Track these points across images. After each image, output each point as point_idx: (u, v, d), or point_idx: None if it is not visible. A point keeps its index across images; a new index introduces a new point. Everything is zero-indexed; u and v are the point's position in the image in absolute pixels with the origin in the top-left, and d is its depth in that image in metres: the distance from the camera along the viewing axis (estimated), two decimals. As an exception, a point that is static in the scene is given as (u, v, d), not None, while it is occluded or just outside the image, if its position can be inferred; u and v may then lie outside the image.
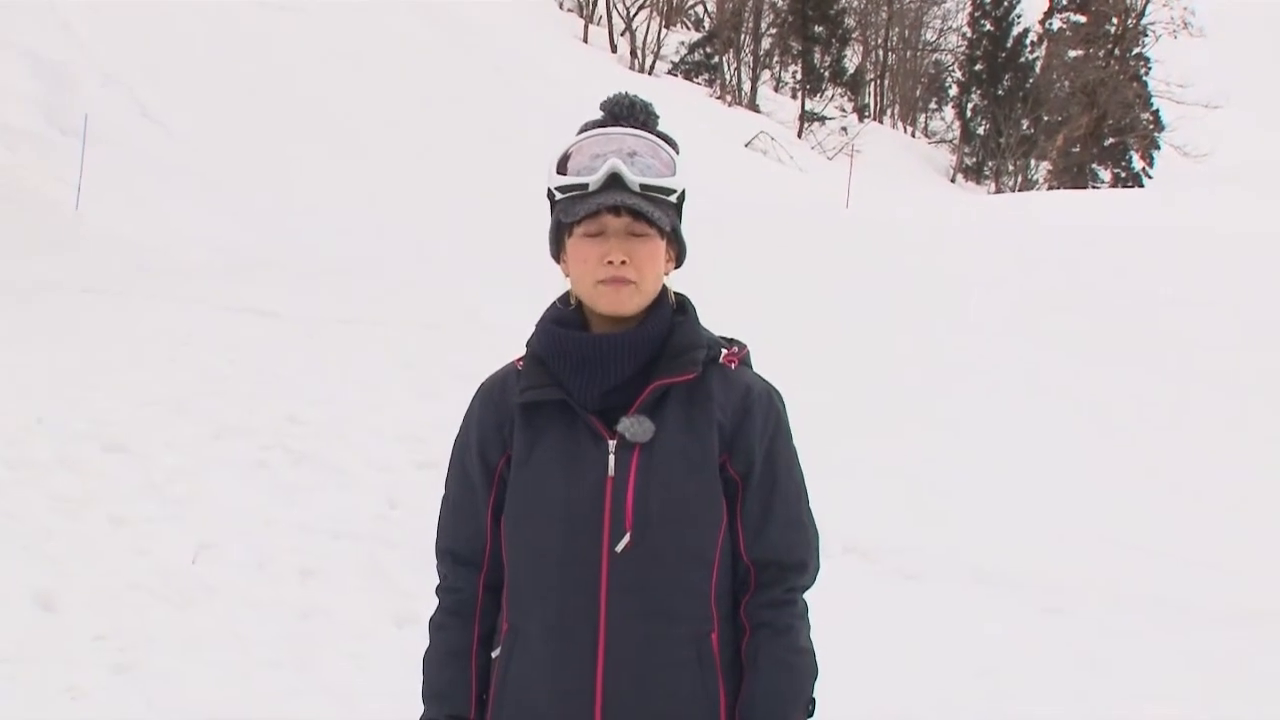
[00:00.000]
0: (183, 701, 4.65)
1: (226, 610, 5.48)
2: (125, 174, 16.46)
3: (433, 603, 2.38)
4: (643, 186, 2.19)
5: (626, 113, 2.27)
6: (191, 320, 10.81)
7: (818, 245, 19.64)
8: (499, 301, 11.94)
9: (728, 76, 54.05)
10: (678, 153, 2.28)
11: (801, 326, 13.57)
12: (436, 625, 2.35)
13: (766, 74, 58.12)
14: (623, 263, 2.19)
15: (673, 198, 2.24)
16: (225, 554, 6.03)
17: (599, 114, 2.30)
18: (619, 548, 2.17)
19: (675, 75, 53.33)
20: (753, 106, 52.21)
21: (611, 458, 2.18)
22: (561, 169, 2.22)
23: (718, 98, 50.68)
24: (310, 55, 25.88)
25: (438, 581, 2.37)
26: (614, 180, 2.18)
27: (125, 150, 17.47)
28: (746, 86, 54.59)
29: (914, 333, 13.74)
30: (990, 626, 6.14)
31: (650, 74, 48.82)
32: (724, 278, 15.94)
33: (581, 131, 2.27)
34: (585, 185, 2.19)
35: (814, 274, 17.02)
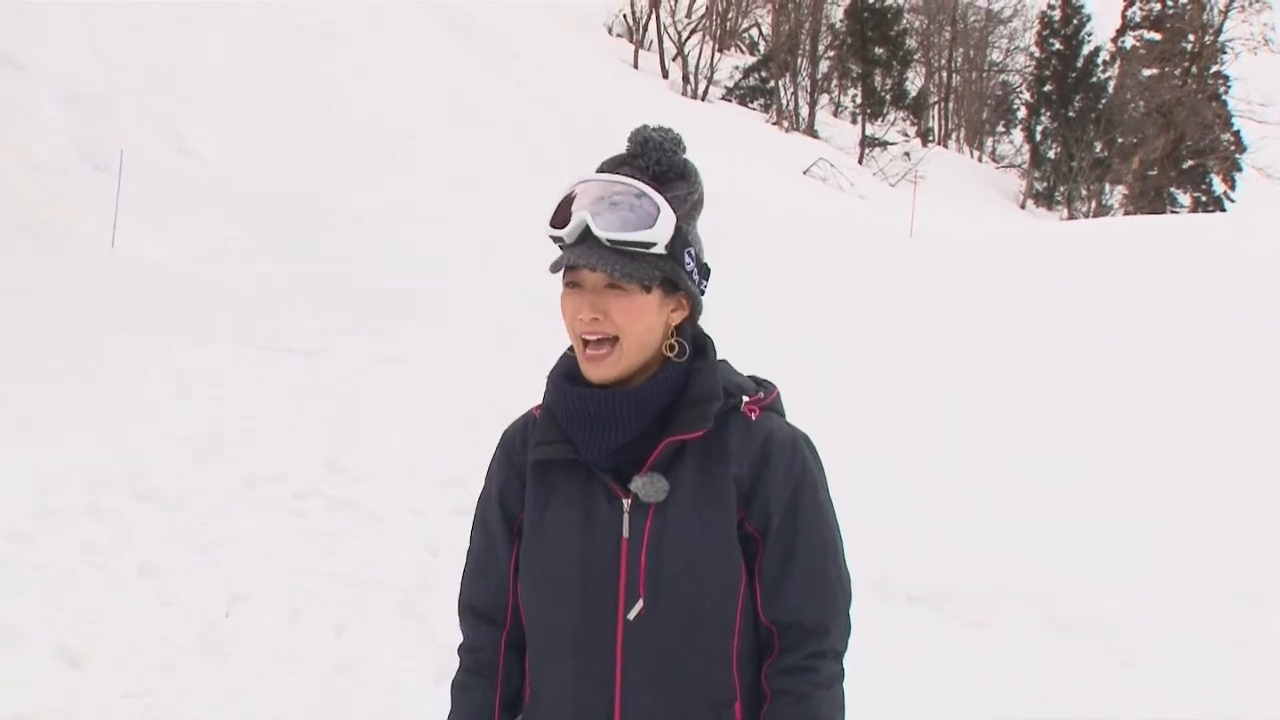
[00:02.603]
0: (213, 760, 4.64)
1: (260, 663, 5.47)
2: (161, 207, 16.62)
3: None
4: (612, 241, 2.15)
5: (640, 149, 2.23)
6: (226, 358, 10.87)
7: (880, 275, 19.55)
8: (543, 333, 11.94)
9: (784, 101, 54.16)
10: (693, 187, 2.23)
11: (863, 359, 13.49)
12: (458, 686, 2.35)
13: (825, 98, 58.18)
14: (594, 320, 2.17)
15: (654, 250, 2.17)
16: (259, 604, 6.04)
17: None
18: (632, 614, 2.15)
19: (730, 100, 53.48)
20: (811, 132, 52.26)
21: (625, 518, 2.17)
22: (556, 214, 2.21)
23: (774, 123, 50.79)
24: (348, 83, 26.11)
25: (460, 640, 2.38)
26: (589, 233, 2.16)
27: (161, 183, 17.66)
28: (804, 111, 54.65)
29: (984, 367, 13.62)
30: (1062, 676, 6.03)
31: (703, 100, 48.99)
32: (782, 309, 15.89)
33: (599, 167, 2.26)
34: (561, 239, 2.19)
35: (877, 305, 16.94)
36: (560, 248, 2.19)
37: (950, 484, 9.25)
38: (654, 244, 2.16)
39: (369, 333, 12.61)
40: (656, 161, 2.21)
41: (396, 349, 12.04)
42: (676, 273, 2.21)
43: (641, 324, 2.18)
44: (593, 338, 2.17)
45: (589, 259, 2.14)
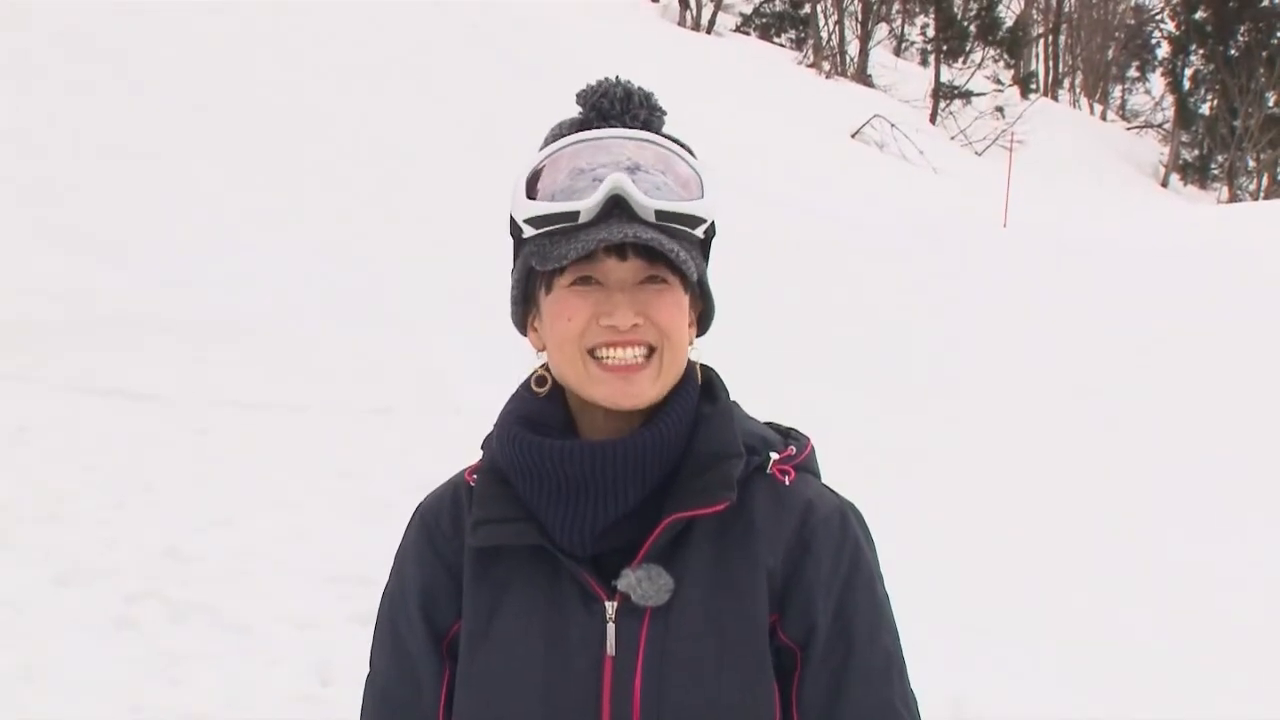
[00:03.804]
0: None
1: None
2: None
3: None
4: (659, 214, 2.10)
5: (620, 108, 2.20)
6: (25, 406, 10.87)
7: (963, 281, 19.61)
8: (483, 374, 11.95)
9: (825, 34, 54.36)
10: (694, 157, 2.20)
11: (931, 414, 13.53)
12: None
13: (883, 30, 58.38)
14: (635, 326, 2.10)
15: (700, 230, 2.17)
16: (72, 756, 6.04)
17: (576, 111, 2.23)
18: None
19: (747, 32, 53.73)
20: (863, 78, 52.46)
21: (611, 628, 2.12)
22: (532, 192, 2.14)
23: (810, 65, 50.97)
24: (211, 23, 26.16)
25: None
26: (616, 205, 2.08)
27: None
28: (853, 49, 54.85)
29: (1117, 420, 13.67)
30: None
31: (710, 33, 49.17)
32: (812, 340, 15.89)
33: (553, 138, 2.21)
34: (574, 214, 2.10)
35: (958, 325, 16.98)
36: (559, 232, 2.12)
37: (1062, 587, 9.30)
38: (704, 221, 2.16)
39: (227, 369, 12.59)
40: (645, 124, 2.20)
41: (267, 393, 12.03)
42: (705, 272, 2.22)
43: (683, 332, 2.17)
44: (624, 351, 2.12)
45: (635, 234, 2.07)
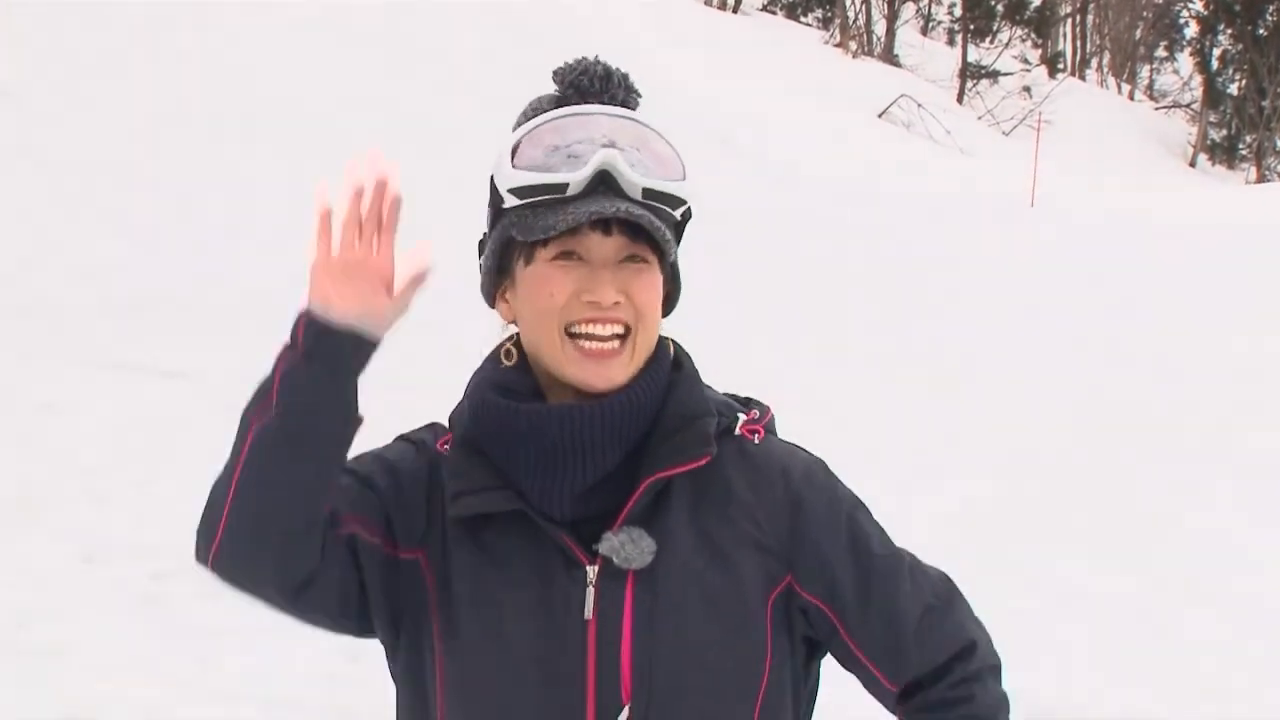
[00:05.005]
0: None
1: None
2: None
3: None
4: (646, 192, 2.11)
5: (599, 86, 2.21)
6: (60, 385, 10.89)
7: (990, 260, 19.55)
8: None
9: (852, 13, 54.24)
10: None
11: (964, 384, 13.50)
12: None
13: (909, 8, 58.23)
14: (616, 304, 2.11)
15: (678, 212, 2.18)
16: (103, 733, 6.05)
17: (554, 88, 2.25)
18: None
19: (774, 12, 53.62)
20: (890, 58, 52.36)
21: (591, 592, 2.12)
22: (515, 163, 2.15)
23: (837, 45, 50.88)
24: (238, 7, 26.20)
25: None
26: (603, 181, 2.09)
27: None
28: (880, 28, 54.73)
29: (1147, 399, 13.63)
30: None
31: (736, 11, 49.09)
32: (849, 306, 15.88)
33: (531, 112, 2.23)
34: (563, 186, 2.10)
35: (985, 303, 16.93)
36: (544, 204, 2.12)
37: (1100, 577, 9.28)
38: (684, 203, 2.16)
39: (258, 347, 12.59)
40: (623, 102, 2.21)
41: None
42: (675, 251, 2.21)
43: (658, 313, 2.18)
44: (605, 331, 2.12)
45: (627, 209, 2.07)
